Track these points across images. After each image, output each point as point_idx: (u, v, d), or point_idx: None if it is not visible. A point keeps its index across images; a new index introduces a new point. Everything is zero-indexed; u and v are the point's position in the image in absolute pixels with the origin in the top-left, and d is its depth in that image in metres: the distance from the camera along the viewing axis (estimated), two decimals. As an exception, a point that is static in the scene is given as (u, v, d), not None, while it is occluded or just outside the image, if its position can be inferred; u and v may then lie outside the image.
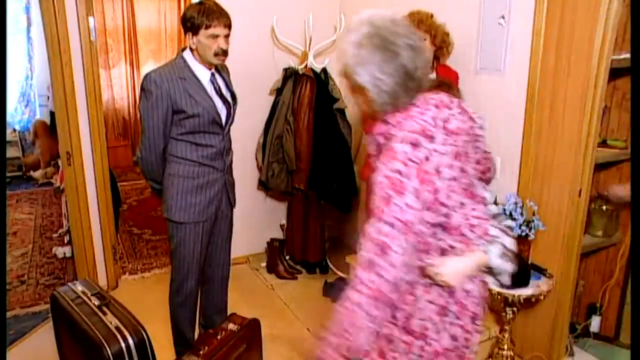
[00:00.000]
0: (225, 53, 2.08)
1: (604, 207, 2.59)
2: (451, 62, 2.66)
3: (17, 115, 6.31)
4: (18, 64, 6.12)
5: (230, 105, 2.22)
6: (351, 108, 3.32)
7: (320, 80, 3.30)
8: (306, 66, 3.32)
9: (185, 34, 2.08)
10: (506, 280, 1.37)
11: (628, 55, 2.26)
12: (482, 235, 1.30)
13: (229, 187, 2.32)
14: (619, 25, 2.21)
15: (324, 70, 3.33)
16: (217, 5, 2.05)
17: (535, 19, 2.28)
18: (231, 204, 2.39)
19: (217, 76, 2.19)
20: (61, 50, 2.89)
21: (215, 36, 2.02)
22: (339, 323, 1.19)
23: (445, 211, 1.23)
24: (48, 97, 5.98)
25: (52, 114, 5.55)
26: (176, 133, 2.12)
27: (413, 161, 1.17)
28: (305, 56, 3.39)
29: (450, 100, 1.33)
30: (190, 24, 2.02)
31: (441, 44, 2.49)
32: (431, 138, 1.20)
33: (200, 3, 2.04)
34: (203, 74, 2.12)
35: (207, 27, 2.00)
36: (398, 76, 1.20)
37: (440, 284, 1.29)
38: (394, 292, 1.18)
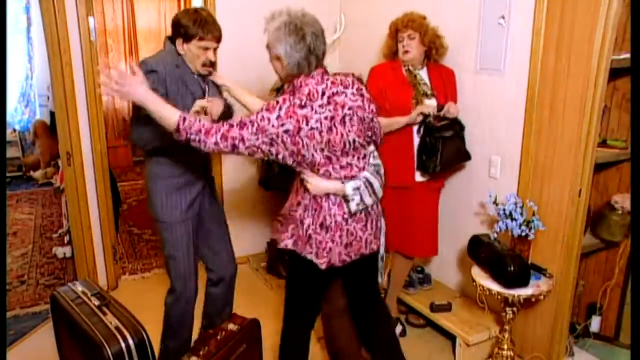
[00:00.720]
0: (212, 64, 2.11)
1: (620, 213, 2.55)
2: (451, 62, 2.66)
3: (17, 115, 6.32)
4: (18, 64, 6.13)
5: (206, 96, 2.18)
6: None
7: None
8: (306, 66, 3.31)
9: (175, 37, 2.06)
10: (353, 207, 1.80)
11: (628, 55, 2.26)
12: (347, 175, 1.80)
13: (210, 183, 2.31)
14: (619, 25, 2.21)
15: (324, 70, 3.33)
16: (211, 16, 2.06)
17: (535, 18, 2.29)
18: (217, 199, 2.38)
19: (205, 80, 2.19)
20: (61, 50, 2.90)
21: (206, 48, 2.04)
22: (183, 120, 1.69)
23: (307, 148, 1.70)
24: (48, 97, 5.99)
25: (52, 114, 5.56)
26: None
27: (290, 101, 1.68)
28: (305, 56, 3.39)
29: (352, 82, 1.81)
30: (183, 31, 2.01)
31: (430, 44, 2.52)
32: (312, 100, 1.69)
33: (195, 12, 2.03)
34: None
35: (201, 39, 2.01)
36: (303, 52, 1.69)
37: (306, 189, 1.80)
38: (216, 145, 1.68)
